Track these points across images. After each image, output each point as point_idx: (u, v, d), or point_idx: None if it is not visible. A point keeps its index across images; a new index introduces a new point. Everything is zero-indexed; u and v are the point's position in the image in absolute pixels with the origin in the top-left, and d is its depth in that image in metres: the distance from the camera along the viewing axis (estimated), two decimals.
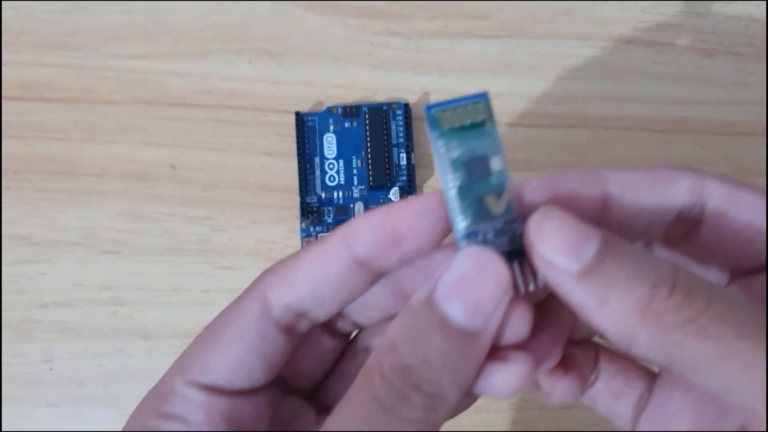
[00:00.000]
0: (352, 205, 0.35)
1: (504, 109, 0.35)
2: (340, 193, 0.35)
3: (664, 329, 0.16)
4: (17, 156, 0.35)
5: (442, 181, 0.18)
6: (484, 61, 0.36)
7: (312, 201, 0.35)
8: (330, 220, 0.34)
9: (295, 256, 0.19)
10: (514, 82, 0.36)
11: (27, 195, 0.35)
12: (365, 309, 0.20)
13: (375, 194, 0.35)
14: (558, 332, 0.20)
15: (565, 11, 0.36)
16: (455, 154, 0.18)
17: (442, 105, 0.18)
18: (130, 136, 0.35)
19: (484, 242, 0.18)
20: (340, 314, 0.20)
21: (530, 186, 0.18)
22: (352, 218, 0.19)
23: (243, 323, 0.19)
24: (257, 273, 0.35)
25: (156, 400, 0.19)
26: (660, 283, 0.16)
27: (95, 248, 0.34)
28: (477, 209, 0.18)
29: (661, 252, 0.21)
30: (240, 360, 0.18)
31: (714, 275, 0.21)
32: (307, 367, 0.21)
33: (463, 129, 0.18)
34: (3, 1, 0.36)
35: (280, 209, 0.35)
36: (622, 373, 0.22)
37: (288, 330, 0.19)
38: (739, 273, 0.21)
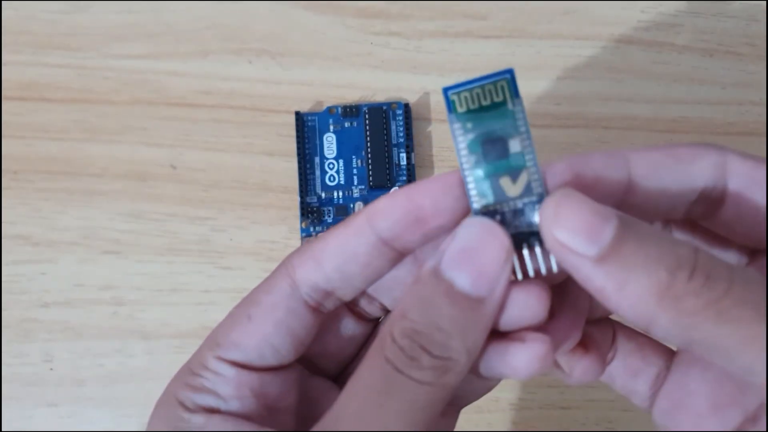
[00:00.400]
0: (352, 205, 0.35)
1: None
2: (340, 193, 0.35)
3: (683, 313, 0.16)
4: (17, 156, 0.35)
5: (458, 161, 0.18)
6: (484, 61, 0.36)
7: (312, 201, 0.35)
8: (330, 220, 0.34)
9: (321, 237, 0.20)
10: None
11: (27, 195, 0.35)
12: (393, 290, 0.21)
13: (375, 194, 0.35)
14: (577, 313, 0.20)
15: (565, 11, 0.36)
16: (471, 136, 0.18)
17: (460, 86, 0.18)
18: (130, 136, 0.35)
19: (501, 222, 0.18)
20: (368, 297, 0.21)
21: (552, 170, 0.18)
22: (376, 199, 0.19)
23: (272, 301, 0.19)
24: (258, 273, 0.36)
25: (188, 374, 0.19)
26: (680, 266, 0.16)
27: (95, 248, 0.34)
28: (491, 190, 0.18)
29: (682, 231, 0.21)
30: (269, 337, 0.19)
31: (734, 254, 0.21)
32: (334, 348, 0.22)
33: (481, 110, 0.18)
34: (3, 1, 0.36)
35: (280, 209, 0.35)
36: (639, 351, 0.22)
37: (316, 308, 0.20)
38: (760, 252, 0.20)
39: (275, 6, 0.36)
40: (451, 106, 0.18)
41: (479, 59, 0.36)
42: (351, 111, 0.35)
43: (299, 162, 0.34)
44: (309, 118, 0.35)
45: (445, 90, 0.18)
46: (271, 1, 0.36)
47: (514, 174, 0.18)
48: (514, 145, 0.18)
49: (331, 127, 0.35)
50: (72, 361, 0.34)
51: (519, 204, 0.18)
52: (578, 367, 0.20)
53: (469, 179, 0.18)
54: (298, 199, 0.34)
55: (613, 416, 0.34)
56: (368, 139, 0.34)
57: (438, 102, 0.35)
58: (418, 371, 0.17)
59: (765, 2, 0.36)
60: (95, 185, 0.35)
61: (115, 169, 0.35)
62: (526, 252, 0.18)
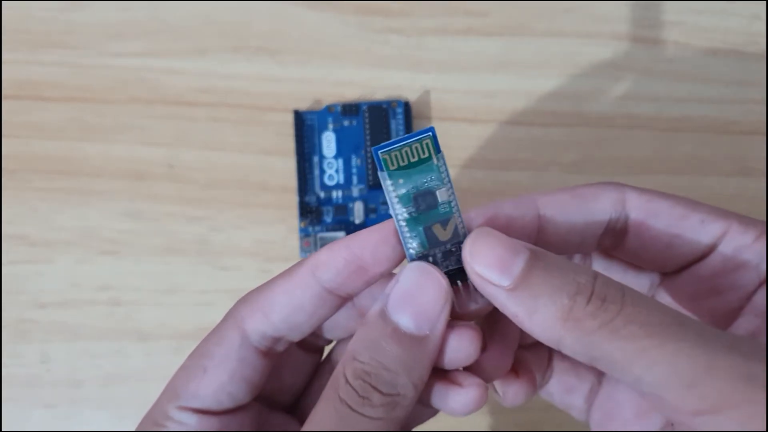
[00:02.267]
0: (351, 205, 0.34)
1: (505, 108, 0.35)
2: (340, 193, 0.34)
3: (583, 333, 0.18)
4: (15, 155, 0.35)
5: (392, 214, 0.20)
6: (484, 58, 0.35)
7: (311, 200, 0.34)
8: (329, 220, 0.34)
9: (267, 286, 0.21)
10: (515, 80, 0.35)
11: (24, 194, 0.35)
12: (335, 329, 0.23)
13: (374, 193, 0.34)
14: (507, 344, 0.22)
15: (567, 9, 0.36)
16: (402, 190, 0.20)
17: (389, 146, 0.19)
18: (127, 135, 0.35)
19: (433, 263, 0.20)
20: (313, 333, 0.23)
21: (472, 214, 0.21)
22: (318, 250, 0.21)
23: (224, 352, 0.21)
24: (255, 273, 0.35)
25: (152, 424, 0.21)
26: (579, 292, 0.18)
27: (93, 248, 0.34)
28: (425, 237, 0.20)
29: (598, 261, 0.24)
30: (225, 385, 0.21)
31: (646, 277, 0.24)
32: (287, 381, 0.24)
33: (409, 166, 0.20)
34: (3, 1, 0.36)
35: (278, 209, 0.34)
36: (573, 369, 0.24)
37: (266, 353, 0.21)
38: (667, 274, 0.23)
39: (273, 3, 0.36)
40: (382, 164, 0.20)
41: (480, 57, 0.35)
42: (350, 109, 0.35)
43: (298, 161, 0.34)
44: (308, 116, 0.35)
45: (376, 150, 0.20)
46: None
47: (443, 221, 0.20)
48: (442, 195, 0.20)
49: (331, 126, 0.35)
50: (69, 362, 0.34)
51: (450, 245, 0.20)
52: (510, 391, 0.23)
53: (405, 230, 0.20)
54: (296, 198, 0.34)
55: None
56: (368, 137, 0.34)
57: (438, 100, 0.35)
58: (370, 409, 0.19)
59: (766, 1, 0.36)
60: (92, 185, 0.35)
61: (112, 169, 0.35)
62: (460, 286, 0.21)
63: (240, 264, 0.34)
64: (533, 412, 0.34)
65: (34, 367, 0.34)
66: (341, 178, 0.34)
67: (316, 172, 0.34)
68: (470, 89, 0.35)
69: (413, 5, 0.36)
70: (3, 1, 0.36)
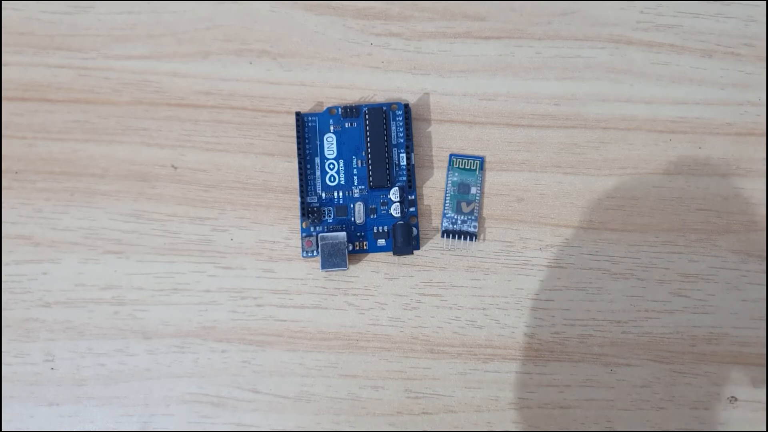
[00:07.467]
0: (352, 205, 0.35)
1: (503, 110, 0.36)
2: (341, 193, 0.35)
3: None
4: (19, 156, 0.35)
5: (445, 189, 0.34)
6: (483, 61, 0.36)
7: (312, 201, 0.35)
8: (330, 220, 0.34)
9: None
10: (513, 83, 0.36)
11: (29, 195, 0.35)
12: None
13: (375, 194, 0.35)
14: None
15: (564, 12, 0.36)
16: (455, 179, 0.34)
17: (459, 156, 0.35)
18: (131, 136, 0.35)
19: (454, 224, 0.34)
20: None
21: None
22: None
23: None
24: (258, 273, 0.36)
25: None
26: None
27: (97, 248, 0.35)
28: (457, 206, 0.34)
29: None
30: None
31: None
32: None
33: (463, 169, 0.35)
34: (3, 1, 0.36)
35: (280, 209, 0.35)
36: None
37: None
38: None
39: (276, 7, 0.36)
40: (450, 163, 0.35)
41: (478, 60, 0.36)
42: (351, 111, 0.35)
43: (300, 162, 0.34)
44: (309, 118, 0.35)
45: (451, 155, 0.35)
46: (271, 2, 0.36)
47: (468, 202, 0.34)
48: (474, 189, 0.34)
49: (332, 128, 0.35)
50: (73, 361, 0.34)
51: (467, 215, 0.34)
52: None
53: (447, 199, 0.34)
54: (298, 199, 0.35)
55: (613, 416, 0.34)
56: (368, 139, 0.35)
57: (437, 103, 0.36)
58: None
59: (765, 2, 0.36)
60: (96, 185, 0.35)
61: (116, 170, 0.35)
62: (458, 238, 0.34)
63: (243, 264, 0.34)
64: (531, 410, 0.34)
65: (38, 365, 0.34)
66: (342, 179, 0.35)
67: (318, 173, 0.35)
68: (469, 92, 0.36)
69: (413, 9, 0.36)
70: (7, 3, 0.36)
